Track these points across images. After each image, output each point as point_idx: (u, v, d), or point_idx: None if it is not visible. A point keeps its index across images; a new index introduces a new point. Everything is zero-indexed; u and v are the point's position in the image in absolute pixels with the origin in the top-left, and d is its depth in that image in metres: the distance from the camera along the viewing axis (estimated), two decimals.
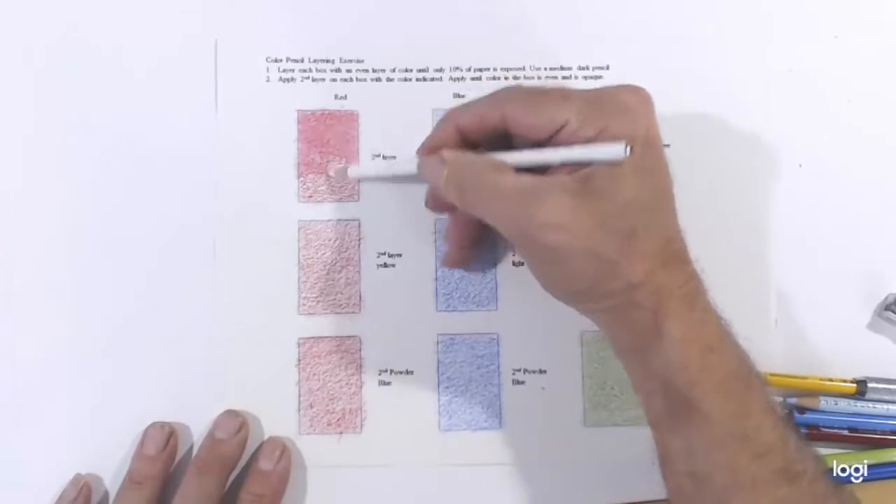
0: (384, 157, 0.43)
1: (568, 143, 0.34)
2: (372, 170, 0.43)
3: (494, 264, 0.43)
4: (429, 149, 0.38)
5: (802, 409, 0.42)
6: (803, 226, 0.44)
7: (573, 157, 0.34)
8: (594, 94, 0.34)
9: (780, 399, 0.43)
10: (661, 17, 0.45)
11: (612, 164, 0.33)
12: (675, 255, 0.34)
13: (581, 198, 0.32)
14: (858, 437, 0.42)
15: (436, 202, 0.40)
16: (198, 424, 0.42)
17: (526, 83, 0.36)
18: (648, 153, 0.33)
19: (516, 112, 0.34)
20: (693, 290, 0.34)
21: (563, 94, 0.34)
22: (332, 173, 0.43)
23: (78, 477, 0.41)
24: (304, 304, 0.43)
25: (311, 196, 0.43)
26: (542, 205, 0.32)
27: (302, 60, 0.44)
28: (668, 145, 0.43)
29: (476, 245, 0.41)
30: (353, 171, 0.43)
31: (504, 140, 0.36)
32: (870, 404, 0.42)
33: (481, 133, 0.36)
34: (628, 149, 0.32)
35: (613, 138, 0.33)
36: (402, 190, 0.43)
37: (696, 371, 0.33)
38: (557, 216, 0.32)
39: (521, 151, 0.35)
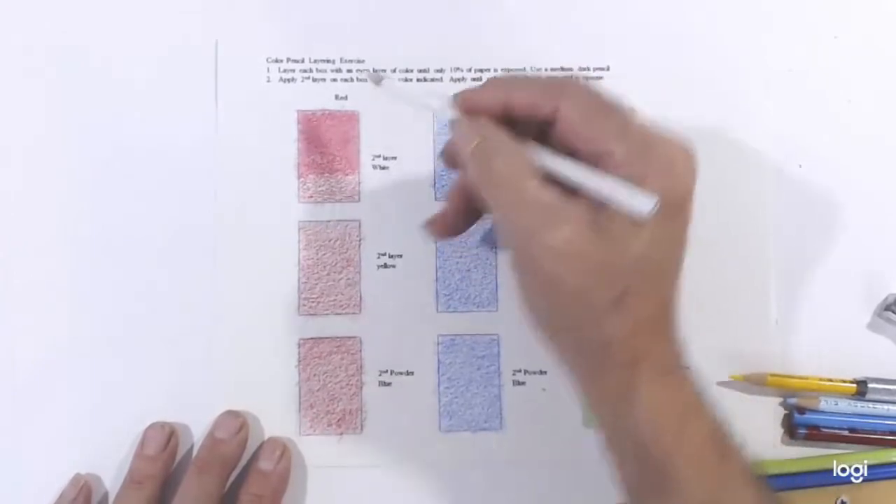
0: (384, 158, 0.43)
1: (604, 171, 0.32)
2: (405, 95, 0.41)
3: (493, 248, 0.42)
4: (469, 107, 0.34)
5: (802, 410, 0.42)
6: (803, 226, 0.44)
7: (603, 190, 0.32)
8: (649, 137, 0.32)
9: (781, 399, 0.43)
10: (661, 17, 0.45)
11: (634, 217, 0.31)
12: (664, 322, 0.33)
13: (593, 236, 0.31)
14: (858, 438, 0.42)
15: (450, 159, 0.38)
16: (198, 424, 0.42)
17: (587, 83, 0.34)
18: (675, 218, 0.32)
19: (573, 116, 0.32)
20: (673, 359, 0.33)
21: (623, 125, 0.32)
22: (368, 75, 0.42)
23: (78, 477, 0.41)
24: (304, 305, 0.43)
25: (311, 196, 0.43)
26: (556, 229, 0.31)
27: (302, 61, 0.44)
28: None
29: (475, 218, 0.39)
30: (388, 85, 0.39)
31: (541, 128, 0.34)
32: (870, 404, 0.42)
33: (527, 117, 0.34)
34: (656, 208, 0.31)
35: (650, 190, 0.31)
36: (403, 190, 0.43)
37: (670, 438, 0.32)
38: (566, 245, 0.31)
39: (558, 158, 0.33)
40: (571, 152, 0.33)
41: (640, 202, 0.31)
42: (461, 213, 0.38)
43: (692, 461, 0.32)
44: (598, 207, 0.31)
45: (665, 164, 0.32)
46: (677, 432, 0.32)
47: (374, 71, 0.42)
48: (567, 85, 0.34)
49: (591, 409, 0.35)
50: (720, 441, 0.33)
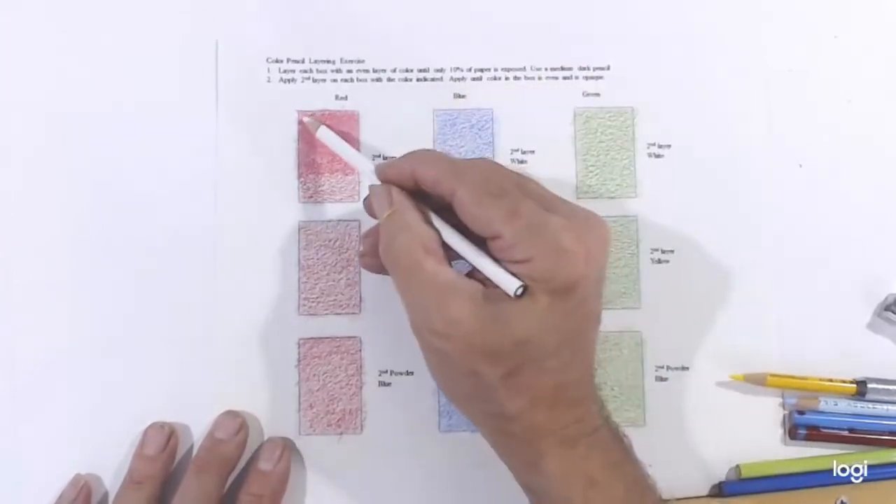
0: (385, 158, 0.43)
1: (496, 253, 0.33)
2: (336, 146, 0.42)
3: None
4: (385, 175, 0.37)
5: (802, 410, 0.42)
6: (803, 226, 0.44)
7: (480, 266, 0.34)
8: (539, 222, 0.33)
9: (780, 399, 0.43)
10: (661, 17, 0.45)
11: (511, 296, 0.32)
12: (565, 398, 0.33)
13: (481, 317, 0.32)
14: (858, 438, 0.42)
15: (370, 212, 0.39)
16: (198, 424, 0.42)
17: (489, 168, 0.35)
18: (566, 299, 0.32)
19: (465, 200, 0.34)
20: (579, 430, 0.34)
21: (512, 210, 0.33)
22: (305, 119, 0.43)
23: (78, 477, 0.41)
24: (304, 305, 0.43)
25: (311, 197, 0.43)
26: (444, 309, 0.32)
27: (302, 61, 0.44)
28: (668, 145, 0.44)
29: None
30: (322, 134, 0.42)
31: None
32: (870, 405, 0.42)
33: (431, 191, 0.35)
34: (520, 290, 0.32)
35: (536, 272, 0.32)
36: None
37: None
38: (452, 326, 0.32)
39: (454, 235, 0.35)
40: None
41: (507, 282, 0.33)
42: (376, 255, 0.38)
43: None
44: (490, 287, 0.33)
45: (553, 249, 0.32)
46: (585, 501, 0.33)
47: (310, 121, 0.43)
48: (467, 169, 0.35)
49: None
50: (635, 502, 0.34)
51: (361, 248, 0.41)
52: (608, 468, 0.34)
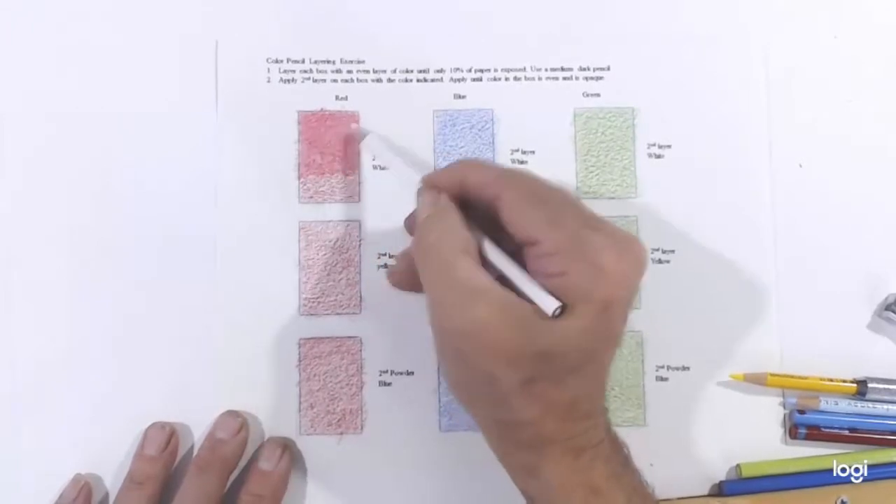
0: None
1: (532, 261, 0.33)
2: (382, 158, 0.42)
3: None
4: (431, 182, 0.37)
5: (802, 410, 0.42)
6: (803, 226, 0.44)
7: (516, 281, 0.33)
8: (581, 236, 0.32)
9: (781, 399, 0.43)
10: (661, 17, 0.45)
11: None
12: (577, 412, 0.33)
13: (508, 324, 0.32)
14: (858, 437, 0.42)
15: (410, 228, 0.40)
16: (198, 424, 0.42)
17: (536, 176, 0.35)
18: (596, 319, 0.32)
19: (509, 203, 0.33)
20: (585, 441, 0.33)
21: (555, 217, 0.33)
22: (353, 126, 0.43)
23: (78, 477, 0.41)
24: (304, 305, 0.43)
25: (311, 197, 0.43)
26: (472, 310, 0.32)
27: (302, 61, 0.44)
28: (668, 145, 0.44)
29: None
30: (370, 141, 0.42)
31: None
32: (870, 404, 0.42)
33: (479, 200, 0.35)
34: (558, 310, 0.32)
35: (569, 286, 0.32)
36: (404, 192, 0.43)
37: None
38: (476, 326, 0.32)
39: (490, 245, 0.34)
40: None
41: (545, 301, 0.32)
42: (411, 274, 0.38)
43: None
44: (521, 295, 0.33)
45: (592, 266, 0.32)
46: None
47: (356, 130, 0.43)
48: (515, 174, 0.35)
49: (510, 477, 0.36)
50: None
51: (394, 265, 0.41)
52: (610, 478, 0.34)
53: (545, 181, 0.35)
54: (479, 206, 0.35)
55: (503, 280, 0.34)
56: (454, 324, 0.32)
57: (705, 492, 0.42)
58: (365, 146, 0.42)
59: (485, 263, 0.34)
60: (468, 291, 0.32)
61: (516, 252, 0.34)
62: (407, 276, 0.37)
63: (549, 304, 0.32)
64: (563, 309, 0.32)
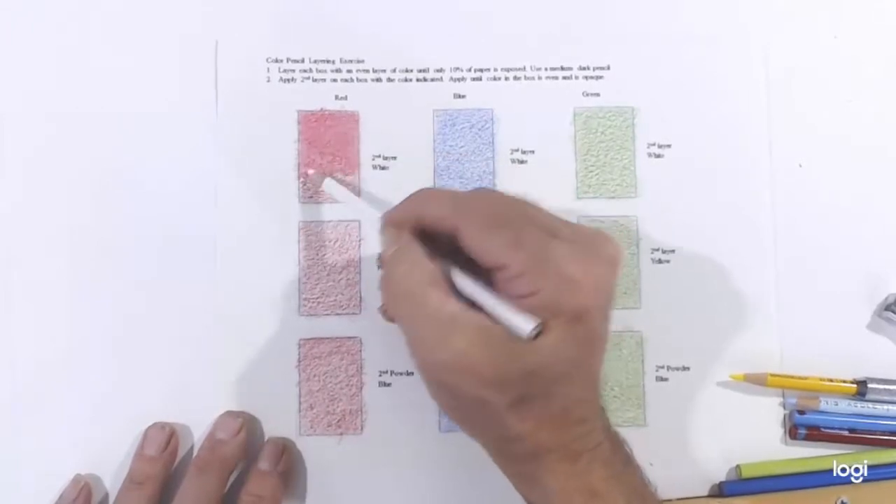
0: (384, 158, 0.43)
1: (502, 284, 0.33)
2: (342, 197, 0.42)
3: None
4: (391, 219, 0.37)
5: (802, 410, 0.42)
6: (803, 226, 0.44)
7: (489, 307, 0.33)
8: (543, 253, 0.32)
9: (781, 399, 0.43)
10: (661, 17, 0.45)
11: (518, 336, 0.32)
12: (571, 419, 0.33)
13: (488, 348, 0.31)
14: (858, 438, 0.42)
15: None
16: (198, 425, 0.42)
17: (491, 198, 0.35)
18: (574, 329, 0.32)
19: (468, 234, 0.33)
20: (583, 445, 0.33)
21: (515, 240, 0.32)
22: (310, 172, 0.43)
23: (78, 477, 0.41)
24: (304, 305, 0.43)
25: (311, 197, 0.43)
26: (450, 342, 0.32)
27: (302, 61, 0.44)
28: (668, 145, 0.44)
29: None
30: (328, 186, 0.42)
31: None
32: (870, 405, 0.42)
33: (437, 230, 0.35)
34: (536, 330, 0.31)
35: (542, 303, 0.31)
36: (403, 190, 0.43)
37: None
38: (459, 359, 0.31)
39: (459, 273, 0.34)
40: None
41: (521, 323, 0.32)
42: None
43: None
44: (496, 318, 0.32)
45: (561, 279, 0.32)
46: None
47: (315, 176, 0.43)
48: (469, 202, 0.35)
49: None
50: None
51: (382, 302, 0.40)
52: (609, 480, 0.34)
53: (500, 199, 0.35)
54: (442, 236, 0.35)
55: (478, 306, 0.33)
56: (435, 357, 0.32)
57: (705, 492, 0.42)
58: (326, 187, 0.42)
59: (457, 292, 0.34)
60: (442, 323, 0.32)
61: (486, 275, 0.34)
62: None
63: (525, 326, 0.31)
64: (541, 327, 0.31)
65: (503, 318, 0.32)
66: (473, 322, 0.32)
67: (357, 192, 0.43)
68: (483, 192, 0.38)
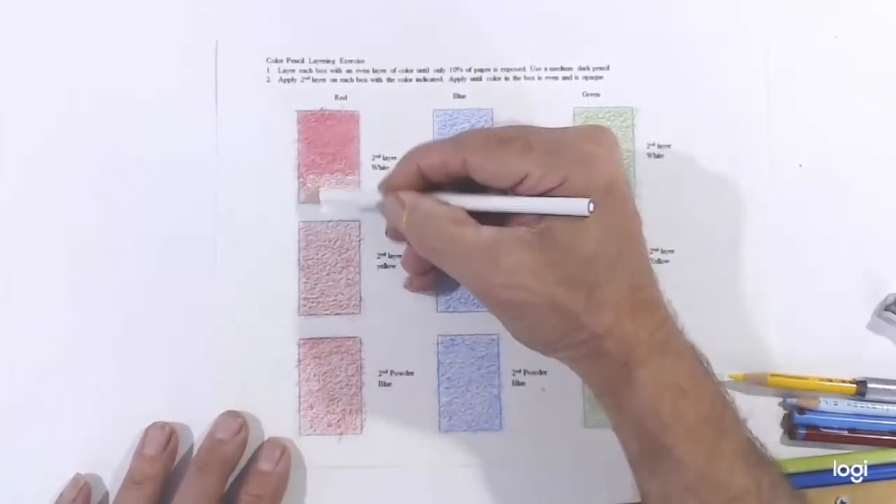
0: (384, 158, 0.43)
1: (530, 194, 0.34)
2: (342, 197, 0.43)
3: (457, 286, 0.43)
4: (390, 186, 0.38)
5: (802, 410, 0.42)
6: (803, 226, 0.44)
7: (535, 208, 0.33)
8: (555, 144, 0.34)
9: (781, 399, 0.43)
10: (661, 17, 0.45)
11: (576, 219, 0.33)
12: (643, 301, 0.34)
13: (541, 252, 0.32)
14: (858, 438, 0.42)
15: (396, 234, 0.40)
16: (198, 424, 0.42)
17: (486, 129, 0.37)
18: (610, 202, 0.33)
19: (478, 160, 0.34)
20: (665, 336, 0.34)
21: (524, 145, 0.34)
22: (302, 198, 0.43)
23: (78, 477, 0.41)
24: (304, 305, 0.43)
25: (311, 197, 0.43)
26: (501, 262, 0.32)
27: (302, 61, 0.44)
28: (668, 145, 0.44)
29: (435, 270, 0.39)
30: (325, 195, 0.42)
31: (468, 182, 0.36)
32: (870, 405, 0.42)
33: (443, 176, 0.36)
34: (591, 204, 0.32)
35: (574, 189, 0.33)
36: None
37: (667, 416, 0.33)
38: (516, 274, 0.32)
39: (484, 197, 0.35)
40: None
41: (574, 206, 0.33)
42: (422, 273, 0.40)
43: (687, 437, 0.33)
44: (535, 224, 0.33)
45: (580, 159, 0.33)
46: (672, 411, 0.33)
47: (311, 191, 0.43)
48: (466, 135, 0.36)
49: (596, 399, 0.36)
50: (717, 417, 0.34)
51: (408, 277, 0.41)
52: (696, 379, 0.34)
53: (494, 127, 0.37)
54: (445, 182, 0.36)
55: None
56: (493, 282, 0.33)
57: None
58: (324, 201, 0.42)
59: (485, 222, 0.35)
60: (487, 250, 0.33)
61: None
62: (424, 279, 0.40)
63: (580, 205, 0.32)
64: (592, 203, 0.32)
65: (552, 208, 0.33)
66: (515, 236, 0.33)
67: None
68: (474, 128, 0.40)
